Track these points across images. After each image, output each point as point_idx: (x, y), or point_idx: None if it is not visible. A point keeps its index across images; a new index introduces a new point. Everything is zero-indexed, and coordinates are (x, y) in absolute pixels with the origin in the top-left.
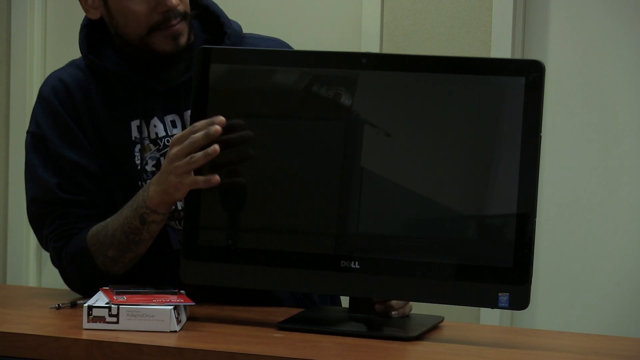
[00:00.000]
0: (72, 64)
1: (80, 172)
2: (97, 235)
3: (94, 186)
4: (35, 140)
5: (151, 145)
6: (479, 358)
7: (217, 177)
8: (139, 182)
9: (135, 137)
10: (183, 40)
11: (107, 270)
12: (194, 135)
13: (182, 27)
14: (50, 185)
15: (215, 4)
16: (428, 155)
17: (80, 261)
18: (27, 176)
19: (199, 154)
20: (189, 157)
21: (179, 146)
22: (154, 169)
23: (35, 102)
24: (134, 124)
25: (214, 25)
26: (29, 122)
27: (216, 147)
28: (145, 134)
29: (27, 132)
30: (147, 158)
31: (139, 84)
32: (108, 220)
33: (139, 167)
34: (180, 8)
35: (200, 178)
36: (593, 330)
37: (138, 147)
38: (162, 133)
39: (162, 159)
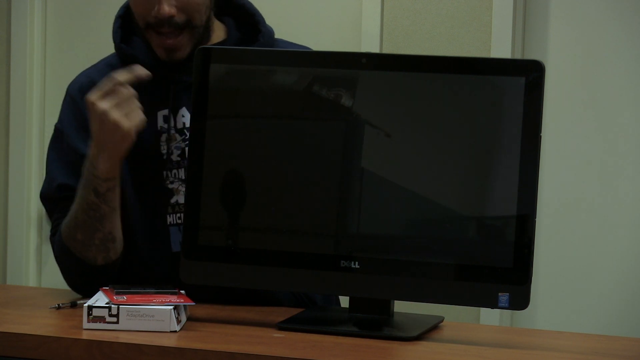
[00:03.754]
0: (102, 61)
1: None
2: (66, 222)
3: None
4: (55, 135)
5: (177, 135)
6: (478, 358)
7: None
8: (164, 172)
9: (160, 126)
10: (181, 54)
11: (84, 257)
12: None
13: (179, 41)
14: (55, 184)
15: (251, 4)
16: (428, 155)
17: (61, 251)
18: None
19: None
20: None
21: (104, 101)
22: (178, 158)
23: (63, 99)
24: (161, 113)
25: (249, 24)
26: None
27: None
28: (172, 123)
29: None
30: (173, 147)
31: (168, 75)
32: (72, 205)
33: (164, 157)
34: (179, 19)
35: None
36: (593, 330)
37: (164, 136)
38: (189, 123)
39: (187, 149)
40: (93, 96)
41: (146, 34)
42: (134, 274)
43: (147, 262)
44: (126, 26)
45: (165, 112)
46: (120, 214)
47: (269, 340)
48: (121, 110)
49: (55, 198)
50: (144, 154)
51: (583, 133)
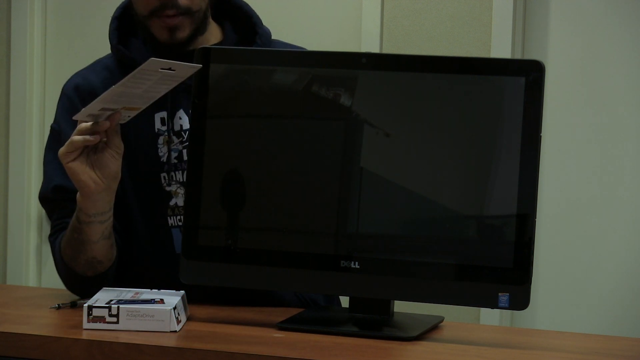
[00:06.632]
0: (99, 61)
1: None
2: (64, 233)
3: None
4: (51, 136)
5: (174, 138)
6: (478, 358)
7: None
8: (162, 175)
9: (158, 129)
10: (181, 34)
11: (74, 269)
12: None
13: (179, 21)
14: (52, 185)
15: (248, 5)
16: (428, 155)
17: (58, 258)
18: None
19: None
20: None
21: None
22: (176, 161)
23: (58, 99)
24: (158, 116)
25: (246, 26)
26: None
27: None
28: (170, 126)
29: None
30: (170, 150)
31: None
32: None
33: (162, 159)
34: (183, 2)
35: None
36: (593, 330)
37: (161, 139)
38: (186, 126)
39: (184, 151)
40: (63, 149)
41: (149, 22)
42: (138, 275)
43: (151, 264)
44: (123, 27)
45: (163, 114)
46: (122, 214)
47: (269, 340)
48: (90, 167)
49: (52, 199)
50: (140, 156)
51: (583, 133)
